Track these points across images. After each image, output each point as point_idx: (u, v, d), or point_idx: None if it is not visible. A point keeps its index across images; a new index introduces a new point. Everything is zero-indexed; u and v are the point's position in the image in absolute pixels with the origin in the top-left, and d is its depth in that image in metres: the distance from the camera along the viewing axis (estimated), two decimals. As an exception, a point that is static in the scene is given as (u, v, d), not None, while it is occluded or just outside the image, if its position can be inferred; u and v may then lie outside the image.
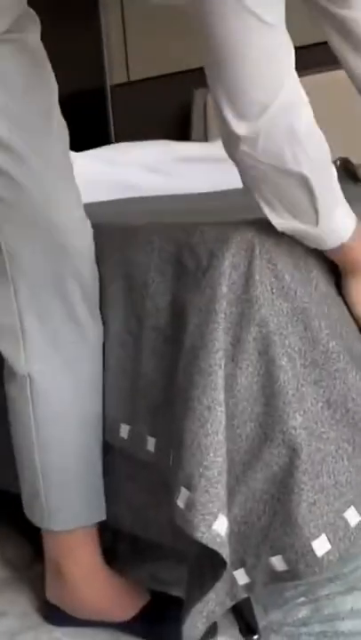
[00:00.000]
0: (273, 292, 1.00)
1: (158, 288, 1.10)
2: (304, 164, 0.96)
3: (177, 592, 1.27)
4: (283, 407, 0.97)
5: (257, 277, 1.00)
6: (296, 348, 1.00)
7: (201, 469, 0.94)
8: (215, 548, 0.94)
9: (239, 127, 0.93)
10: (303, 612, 1.21)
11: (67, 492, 1.17)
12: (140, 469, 1.19)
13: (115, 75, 3.37)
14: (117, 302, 1.16)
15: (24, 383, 1.15)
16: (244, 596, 1.00)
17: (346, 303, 1.08)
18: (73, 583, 1.20)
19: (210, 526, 0.94)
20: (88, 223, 1.16)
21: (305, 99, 0.96)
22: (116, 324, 1.16)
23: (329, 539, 0.95)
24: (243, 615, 1.20)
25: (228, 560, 0.96)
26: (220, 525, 0.96)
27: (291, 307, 1.01)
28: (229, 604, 1.01)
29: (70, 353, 1.15)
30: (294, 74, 0.95)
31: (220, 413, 0.97)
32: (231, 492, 0.98)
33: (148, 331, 1.11)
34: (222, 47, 0.91)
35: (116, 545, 1.46)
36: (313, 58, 2.01)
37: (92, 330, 1.16)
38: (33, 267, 1.11)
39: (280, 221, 1.01)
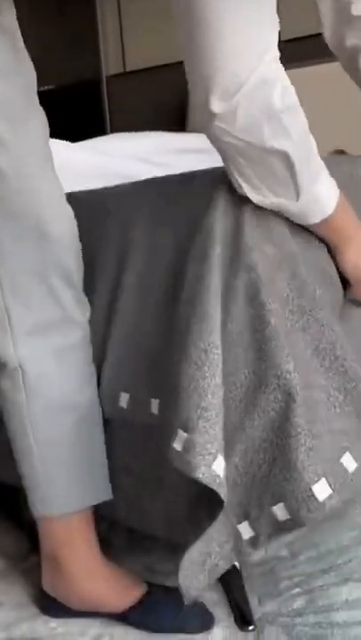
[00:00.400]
0: (262, 238, 1.01)
1: (157, 248, 1.11)
2: (284, 141, 0.94)
3: (173, 583, 1.27)
4: (275, 351, 0.96)
5: (247, 222, 1.01)
6: (284, 295, 1.00)
7: (199, 411, 0.94)
8: (214, 487, 0.94)
9: (214, 104, 0.92)
10: (298, 603, 1.22)
11: (64, 476, 1.17)
12: (136, 461, 1.19)
13: (111, 65, 3.36)
14: (108, 269, 1.17)
15: (16, 375, 1.15)
16: (250, 551, 0.99)
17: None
18: (70, 575, 1.20)
19: (209, 466, 0.94)
20: (70, 210, 1.16)
21: (283, 75, 0.94)
22: (114, 292, 1.17)
23: (329, 483, 0.94)
24: (238, 606, 1.21)
25: (225, 499, 0.95)
26: (219, 466, 0.95)
27: (278, 252, 1.01)
28: (235, 559, 1.00)
29: (59, 340, 1.15)
30: (275, 50, 0.93)
31: (216, 356, 0.96)
32: (230, 442, 0.98)
33: (148, 293, 1.12)
34: (208, 18, 0.88)
35: (112, 536, 1.46)
36: (313, 48, 2.01)
37: (79, 316, 1.17)
38: (16, 255, 1.11)
39: (260, 198, 1.00)
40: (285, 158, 0.95)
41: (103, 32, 3.34)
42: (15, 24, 1.10)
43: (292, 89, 0.95)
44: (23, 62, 1.11)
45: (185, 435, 0.94)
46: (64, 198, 1.15)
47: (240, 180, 0.99)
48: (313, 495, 0.93)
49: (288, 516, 0.95)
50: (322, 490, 0.94)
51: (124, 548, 1.43)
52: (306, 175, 0.98)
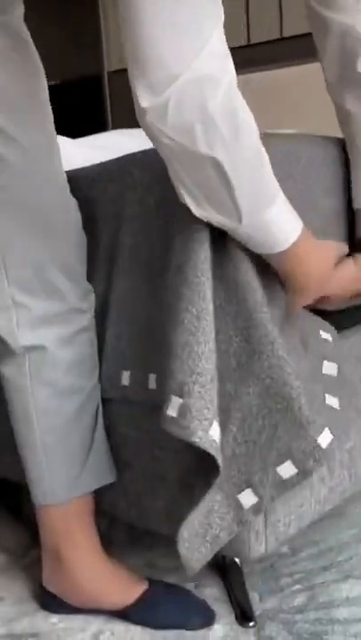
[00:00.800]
0: None
1: (147, 222, 1.11)
2: (218, 148, 0.85)
3: (174, 580, 1.28)
4: (265, 317, 0.97)
5: None
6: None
7: (194, 376, 0.94)
8: (212, 452, 0.94)
9: (145, 97, 0.85)
10: (299, 600, 1.22)
11: (67, 462, 1.17)
12: (138, 457, 1.19)
13: (112, 61, 3.36)
14: (103, 247, 1.18)
15: (22, 361, 1.16)
16: (252, 518, 1.01)
17: None
18: (71, 571, 1.20)
19: (206, 431, 0.94)
20: (75, 203, 1.17)
21: (230, 76, 0.86)
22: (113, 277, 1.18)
23: (330, 429, 0.99)
24: (239, 603, 1.21)
25: (221, 466, 0.96)
26: (215, 431, 0.95)
27: None
28: (237, 529, 1.01)
29: (63, 329, 1.16)
30: (219, 45, 0.84)
31: (209, 322, 0.97)
32: (226, 411, 0.98)
33: (142, 267, 1.12)
34: (144, 8, 0.81)
35: (113, 532, 1.46)
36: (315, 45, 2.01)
37: (82, 305, 1.17)
38: (23, 248, 1.12)
39: (202, 212, 0.93)
40: (219, 169, 0.87)
41: (105, 28, 3.34)
42: (23, 25, 1.11)
43: (236, 92, 0.86)
44: (30, 58, 1.11)
45: (180, 400, 0.94)
46: (68, 188, 1.16)
47: (181, 189, 0.92)
48: (318, 445, 0.97)
49: (295, 471, 0.98)
50: (325, 438, 0.98)
51: (125, 544, 1.44)
52: (249, 196, 0.89)
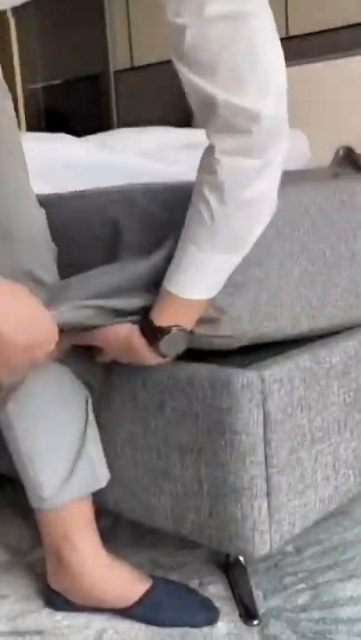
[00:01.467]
0: None
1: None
2: None
3: (178, 577, 1.28)
4: None
5: None
6: None
7: None
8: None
9: None
10: (303, 599, 1.22)
11: (57, 466, 1.17)
12: (143, 455, 1.19)
13: (118, 60, 3.36)
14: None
15: None
16: None
17: None
18: (72, 570, 1.19)
19: None
20: (39, 210, 1.15)
21: None
22: None
23: None
24: (243, 601, 1.21)
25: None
26: None
27: None
28: None
29: None
30: None
31: None
32: None
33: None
34: None
35: (116, 530, 1.47)
36: (320, 45, 2.00)
37: None
38: None
39: None
40: None
41: (111, 27, 3.33)
42: None
43: None
44: None
45: None
46: (33, 196, 1.14)
47: None
48: None
49: None
50: None
51: (128, 542, 1.44)
52: None
